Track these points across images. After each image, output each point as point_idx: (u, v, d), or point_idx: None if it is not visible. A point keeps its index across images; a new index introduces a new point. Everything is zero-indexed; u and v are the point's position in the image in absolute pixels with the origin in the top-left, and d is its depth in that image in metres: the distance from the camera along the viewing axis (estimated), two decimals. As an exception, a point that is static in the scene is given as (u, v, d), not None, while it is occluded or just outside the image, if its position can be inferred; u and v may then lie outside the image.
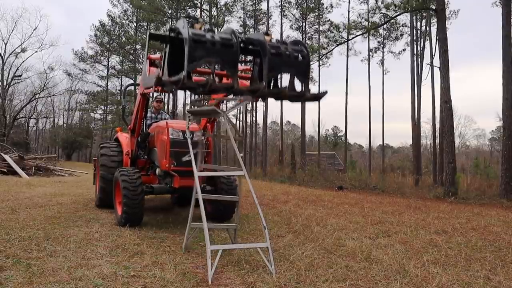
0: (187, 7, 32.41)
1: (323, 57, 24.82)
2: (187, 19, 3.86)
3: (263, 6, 33.64)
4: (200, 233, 4.74)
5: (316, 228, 5.69)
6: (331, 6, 30.00)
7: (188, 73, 3.19)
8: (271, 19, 31.81)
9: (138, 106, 6.23)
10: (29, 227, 5.10)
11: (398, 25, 27.66)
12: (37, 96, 36.76)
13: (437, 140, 21.88)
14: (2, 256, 3.69)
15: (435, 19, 17.56)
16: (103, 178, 6.61)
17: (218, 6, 29.88)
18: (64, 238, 4.54)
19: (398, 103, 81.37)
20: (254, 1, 33.71)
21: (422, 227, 6.02)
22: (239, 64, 3.99)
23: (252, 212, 7.07)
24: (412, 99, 23.31)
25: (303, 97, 3.73)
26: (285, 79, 3.73)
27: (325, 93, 3.83)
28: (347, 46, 27.62)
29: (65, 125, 54.83)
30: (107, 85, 45.86)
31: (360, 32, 19.31)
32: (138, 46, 38.39)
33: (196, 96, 5.16)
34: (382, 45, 29.70)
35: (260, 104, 39.95)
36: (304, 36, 31.76)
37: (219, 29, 30.49)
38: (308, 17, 31.77)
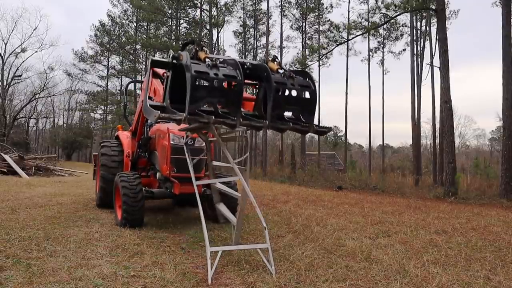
0: (187, 7, 32.43)
1: (323, 57, 24.81)
2: (191, 44, 3.82)
3: (263, 6, 33.70)
4: (200, 233, 4.74)
5: (316, 228, 5.68)
6: (331, 6, 30.05)
7: (189, 109, 3.13)
8: (271, 19, 31.82)
9: (139, 112, 6.20)
10: (29, 227, 5.09)
11: (398, 25, 27.67)
12: (37, 96, 36.77)
13: (437, 140, 21.88)
14: (2, 256, 3.69)
15: (435, 19, 17.56)
16: (103, 178, 6.60)
17: (218, 6, 29.87)
18: (64, 238, 4.54)
19: (398, 103, 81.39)
20: (254, 1, 33.74)
21: (422, 227, 6.02)
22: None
23: (252, 212, 7.06)
24: (412, 99, 23.31)
25: (307, 132, 3.66)
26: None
27: (329, 129, 3.78)
28: (347, 46, 27.64)
29: (65, 125, 54.87)
30: (107, 85, 45.91)
31: (360, 32, 19.31)
32: (138, 46, 38.40)
33: None
34: (382, 45, 29.70)
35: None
36: (304, 36, 31.78)
37: (219, 29, 30.55)
38: (308, 17, 31.78)
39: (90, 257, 3.82)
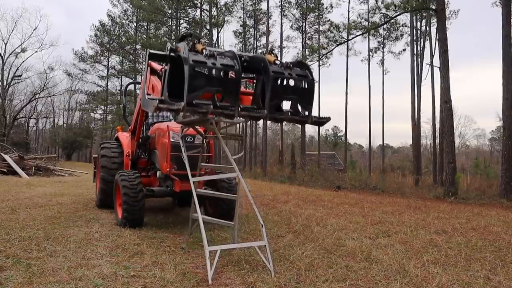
0: (187, 7, 32.42)
1: (323, 57, 24.80)
2: (189, 37, 3.82)
3: (263, 6, 33.68)
4: (200, 233, 4.73)
5: (316, 228, 5.68)
6: (331, 6, 30.04)
7: (187, 98, 3.13)
8: (271, 19, 31.82)
9: (138, 110, 6.20)
10: (29, 227, 5.10)
11: (398, 25, 27.65)
12: (37, 96, 36.75)
13: (437, 140, 21.87)
14: (2, 256, 3.69)
15: (435, 19, 17.56)
16: (103, 180, 6.59)
17: (218, 6, 29.87)
18: (64, 238, 4.54)
19: (398, 103, 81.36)
20: (254, 1, 33.72)
21: (422, 227, 6.02)
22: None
23: (252, 212, 7.06)
24: (412, 99, 23.30)
25: (305, 122, 3.66)
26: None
27: (328, 118, 3.77)
28: (347, 46, 27.62)
29: (65, 125, 54.86)
30: (107, 85, 45.88)
31: (360, 32, 19.30)
32: (138, 46, 38.39)
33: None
34: (382, 45, 29.68)
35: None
36: (304, 36, 31.79)
37: (219, 29, 30.55)
38: (308, 17, 31.78)
39: (90, 257, 3.82)
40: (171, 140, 5.42)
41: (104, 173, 6.61)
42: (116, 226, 5.36)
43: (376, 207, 8.60)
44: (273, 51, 3.85)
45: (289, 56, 44.22)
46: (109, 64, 44.61)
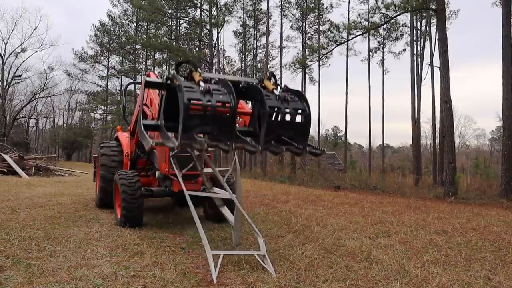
0: (187, 7, 32.41)
1: (323, 57, 24.81)
2: (187, 64, 3.83)
3: (263, 6, 33.70)
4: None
5: (316, 228, 5.68)
6: (331, 6, 30.03)
7: (182, 138, 3.15)
8: (271, 19, 31.82)
9: (138, 112, 6.19)
10: (29, 227, 5.10)
11: (398, 25, 27.62)
12: (37, 96, 36.76)
13: (437, 140, 21.86)
14: (2, 256, 3.69)
15: (435, 19, 17.55)
16: (103, 178, 6.60)
17: (218, 6, 29.86)
18: (64, 238, 4.54)
19: (398, 103, 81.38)
20: (254, 1, 33.73)
21: (422, 227, 6.02)
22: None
23: (252, 212, 7.07)
24: (412, 99, 23.30)
25: (300, 154, 3.67)
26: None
27: (323, 151, 3.78)
28: (347, 46, 27.61)
29: (65, 125, 54.86)
30: (107, 85, 45.91)
31: (360, 32, 19.27)
32: (138, 46, 38.41)
33: None
34: (382, 45, 29.66)
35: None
36: (304, 36, 31.78)
37: (219, 29, 30.53)
38: (308, 17, 31.77)
39: (90, 257, 3.82)
40: None
41: (104, 171, 6.63)
42: (116, 226, 5.37)
43: (376, 207, 8.60)
44: (273, 76, 3.86)
45: (289, 56, 44.35)
46: (109, 64, 44.68)
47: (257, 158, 34.85)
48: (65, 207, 7.01)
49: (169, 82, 3.52)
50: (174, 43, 30.72)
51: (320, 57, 23.24)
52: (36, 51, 49.95)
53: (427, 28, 23.82)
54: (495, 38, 67.60)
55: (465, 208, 8.81)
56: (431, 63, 22.28)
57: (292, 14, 31.85)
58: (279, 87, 3.80)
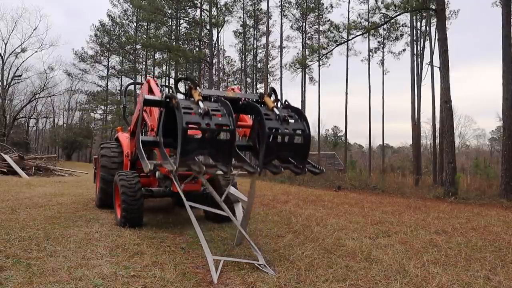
0: (187, 7, 32.42)
1: (323, 57, 24.80)
2: (186, 80, 3.85)
3: (263, 6, 33.71)
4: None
5: (316, 228, 5.68)
6: (331, 6, 30.03)
7: (180, 162, 3.17)
8: (271, 19, 31.84)
9: (138, 115, 6.18)
10: (29, 227, 5.10)
11: (398, 25, 27.60)
12: (37, 96, 36.76)
13: (437, 140, 21.85)
14: (2, 256, 3.69)
15: (435, 19, 17.55)
16: (103, 179, 6.60)
17: (218, 6, 29.86)
18: (64, 238, 4.54)
19: (398, 103, 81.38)
20: (254, 1, 33.74)
21: (422, 227, 6.02)
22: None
23: (252, 212, 7.06)
24: (412, 99, 23.29)
25: (299, 174, 3.67)
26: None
27: (322, 170, 3.79)
28: (347, 46, 27.61)
29: (65, 125, 54.87)
30: (107, 85, 45.92)
31: (360, 32, 19.25)
32: (138, 46, 38.40)
33: None
34: (382, 45, 29.64)
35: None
36: (304, 36, 31.78)
37: (219, 29, 30.52)
38: (308, 17, 31.77)
39: (90, 257, 3.82)
40: None
41: (104, 172, 6.62)
42: (116, 226, 5.37)
43: (376, 207, 8.60)
44: (274, 92, 3.86)
45: (289, 56, 44.35)
46: (109, 64, 44.70)
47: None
48: (65, 207, 7.01)
49: (168, 100, 3.54)
50: (174, 43, 30.71)
51: (320, 57, 23.23)
52: (36, 51, 50.03)
53: (427, 28, 23.82)
54: (495, 38, 67.61)
55: (465, 208, 8.81)
56: (431, 63, 22.28)
57: (292, 14, 31.88)
58: (279, 103, 3.82)
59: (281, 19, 31.49)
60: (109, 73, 44.65)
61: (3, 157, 16.64)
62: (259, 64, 38.21)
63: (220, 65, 37.43)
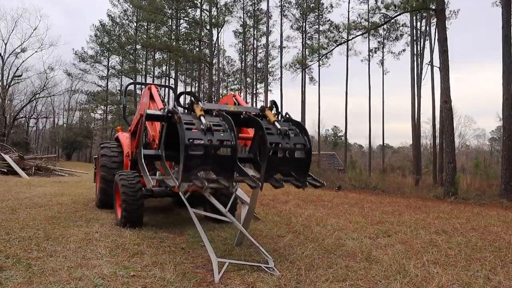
0: (187, 7, 32.42)
1: (323, 57, 24.80)
2: (187, 95, 3.89)
3: (263, 6, 33.74)
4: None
5: (316, 228, 5.68)
6: (331, 6, 30.08)
7: (183, 178, 3.20)
8: (271, 19, 31.86)
9: (139, 119, 6.18)
10: (29, 227, 5.09)
11: (398, 25, 27.65)
12: (37, 96, 36.80)
13: (437, 140, 21.86)
14: (2, 256, 3.69)
15: (435, 19, 17.55)
16: (103, 179, 6.59)
17: (218, 6, 29.88)
18: (64, 238, 4.54)
19: (398, 103, 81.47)
20: (254, 1, 33.76)
21: (422, 227, 6.02)
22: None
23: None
24: (412, 99, 23.31)
25: (300, 187, 3.68)
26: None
27: (323, 184, 3.80)
28: (347, 46, 27.65)
29: (65, 125, 54.87)
30: (107, 85, 45.93)
31: (360, 32, 19.27)
32: (138, 46, 38.41)
33: None
34: (382, 45, 29.68)
35: (259, 104, 39.96)
36: (304, 36, 31.79)
37: (219, 29, 30.52)
38: (308, 17, 31.80)
39: (90, 257, 3.82)
40: None
41: (104, 172, 6.62)
42: (116, 226, 5.36)
43: (376, 207, 8.60)
44: (275, 105, 3.88)
45: (289, 56, 44.37)
46: (109, 64, 44.73)
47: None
48: (65, 207, 7.01)
49: (170, 115, 3.56)
50: (174, 43, 30.72)
51: (320, 57, 23.24)
52: (36, 51, 49.89)
53: (427, 28, 23.84)
54: (495, 38, 67.60)
55: (465, 208, 8.81)
56: (431, 63, 22.30)
57: (292, 14, 31.92)
58: (280, 116, 3.85)
59: (281, 19, 31.57)
60: (109, 73, 44.68)
61: (3, 157, 16.64)
62: (259, 64, 38.25)
63: (220, 65, 37.45)
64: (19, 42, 45.95)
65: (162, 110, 3.86)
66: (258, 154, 3.74)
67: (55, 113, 53.71)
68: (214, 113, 3.61)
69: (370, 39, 28.44)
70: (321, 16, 31.10)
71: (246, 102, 5.38)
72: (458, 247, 4.72)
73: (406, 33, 27.74)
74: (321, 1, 30.14)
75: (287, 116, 3.85)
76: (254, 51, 37.33)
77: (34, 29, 50.70)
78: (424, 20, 24.59)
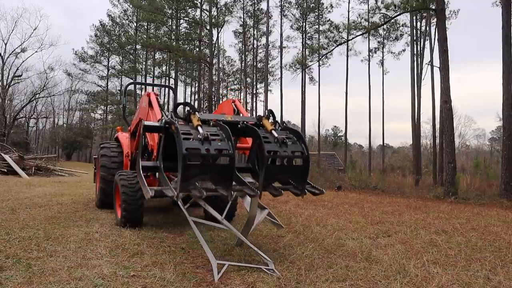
0: (187, 7, 32.43)
1: (323, 57, 24.80)
2: (185, 105, 3.93)
3: (263, 6, 33.72)
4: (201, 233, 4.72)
5: (316, 228, 5.68)
6: (331, 6, 30.08)
7: (181, 188, 3.21)
8: (271, 19, 31.87)
9: (139, 116, 6.18)
10: (29, 227, 5.09)
11: (398, 25, 27.66)
12: (37, 96, 36.79)
13: (437, 140, 21.85)
14: (2, 256, 3.69)
15: (435, 19, 17.55)
16: (103, 179, 6.59)
17: (218, 6, 29.88)
18: (64, 238, 4.54)
19: (398, 103, 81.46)
20: (254, 1, 33.75)
21: (422, 227, 6.02)
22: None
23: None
24: (412, 99, 23.31)
25: (299, 195, 3.70)
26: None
27: (321, 191, 3.82)
28: (347, 46, 27.66)
29: (65, 125, 54.87)
30: (107, 85, 45.93)
31: (360, 32, 19.26)
32: (138, 46, 38.41)
33: None
34: (382, 45, 29.69)
35: (259, 104, 39.93)
36: (304, 36, 31.79)
37: (219, 29, 30.52)
38: (308, 17, 31.80)
39: (90, 257, 3.81)
40: None
41: (104, 172, 6.62)
42: (116, 226, 5.36)
43: (376, 207, 8.60)
44: (272, 114, 3.88)
45: (289, 56, 44.35)
46: (109, 64, 44.73)
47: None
48: (65, 207, 7.01)
49: (167, 126, 3.58)
50: (174, 43, 30.73)
51: (320, 57, 23.24)
52: (36, 51, 49.84)
53: (427, 28, 23.84)
54: (495, 38, 67.60)
55: (465, 208, 8.81)
56: (431, 63, 22.29)
57: (292, 14, 31.92)
58: (277, 124, 3.85)
59: (281, 19, 31.57)
60: (109, 73, 44.68)
61: (3, 157, 16.64)
62: (259, 64, 38.24)
63: (220, 65, 37.45)
64: (19, 42, 45.95)
65: (159, 121, 3.87)
66: (256, 163, 3.75)
67: (55, 113, 53.76)
68: (211, 123, 3.63)
69: (370, 39, 28.47)
70: (321, 16, 31.11)
71: (246, 102, 5.38)
72: (458, 247, 4.72)
73: (406, 33, 27.76)
74: (321, 1, 30.17)
75: (284, 124, 3.87)
76: (254, 51, 37.34)
77: (34, 29, 50.67)
78: (424, 20, 24.60)
